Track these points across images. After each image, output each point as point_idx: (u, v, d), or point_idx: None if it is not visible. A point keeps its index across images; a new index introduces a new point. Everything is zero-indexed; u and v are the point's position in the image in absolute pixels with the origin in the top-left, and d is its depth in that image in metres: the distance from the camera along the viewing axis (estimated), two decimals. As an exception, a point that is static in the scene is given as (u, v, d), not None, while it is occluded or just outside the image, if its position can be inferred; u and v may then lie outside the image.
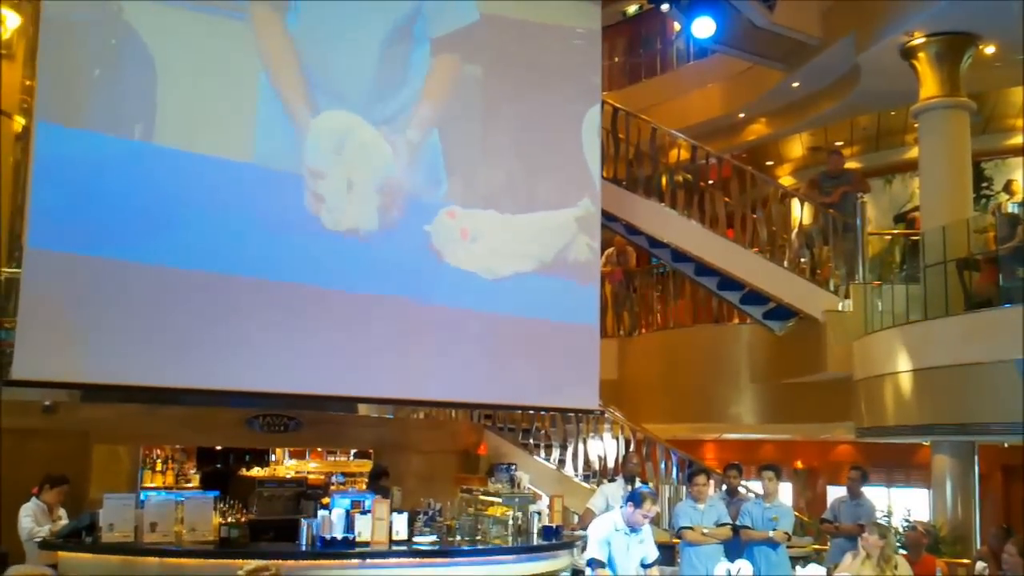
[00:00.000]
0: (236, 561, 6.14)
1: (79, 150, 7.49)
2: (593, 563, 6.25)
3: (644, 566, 6.43)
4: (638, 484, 8.64)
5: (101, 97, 7.68)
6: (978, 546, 9.43)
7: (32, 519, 7.44)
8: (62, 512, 7.71)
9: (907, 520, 10.85)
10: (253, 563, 3.59)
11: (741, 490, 9.26)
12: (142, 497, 7.61)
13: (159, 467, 10.05)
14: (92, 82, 7.65)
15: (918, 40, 10.63)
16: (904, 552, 8.34)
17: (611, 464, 11.30)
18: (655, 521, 9.23)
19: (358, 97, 8.74)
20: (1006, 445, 12.82)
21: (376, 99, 8.84)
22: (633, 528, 6.28)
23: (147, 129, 7.81)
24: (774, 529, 8.04)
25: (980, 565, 7.65)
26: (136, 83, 7.82)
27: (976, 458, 10.44)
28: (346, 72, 8.71)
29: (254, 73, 8.30)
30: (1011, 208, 11.06)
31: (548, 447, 11.84)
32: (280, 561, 6.57)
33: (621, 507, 6.43)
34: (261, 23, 8.37)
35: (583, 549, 7.62)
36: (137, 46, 7.82)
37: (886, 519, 11.07)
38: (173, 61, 7.95)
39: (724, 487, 9.06)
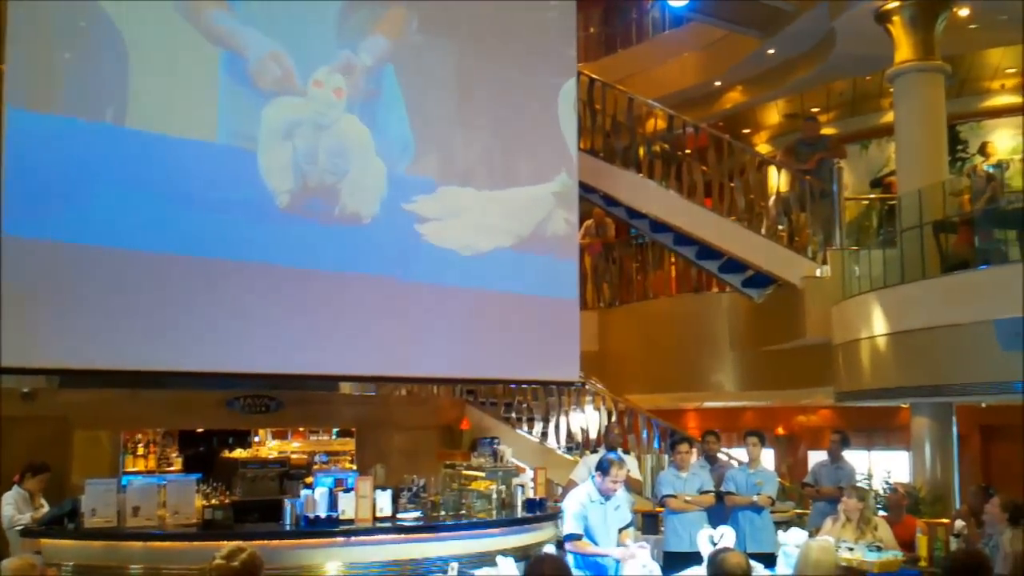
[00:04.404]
0: (220, 543, 6.11)
1: (51, 135, 7.36)
2: (571, 538, 6.25)
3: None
4: (620, 454, 8.69)
5: (71, 81, 7.55)
6: (957, 506, 9.54)
7: (14, 507, 7.42)
8: (43, 500, 7.68)
9: (888, 482, 10.97)
10: (229, 546, 3.57)
11: (722, 456, 9.33)
12: (124, 481, 7.58)
13: (140, 451, 9.99)
14: (62, 65, 7.53)
15: (892, 4, 10.64)
16: (885, 514, 8.44)
17: (593, 435, 11.35)
18: (639, 490, 9.33)
19: (334, 78, 8.63)
20: (984, 405, 12.96)
21: (352, 80, 8.73)
22: (607, 496, 6.30)
23: (119, 112, 7.68)
24: (758, 494, 8.11)
25: (959, 524, 7.72)
26: (106, 65, 7.67)
27: (954, 419, 10.54)
28: (315, 50, 8.60)
29: (220, 53, 8.18)
30: (986, 170, 11.13)
31: (530, 420, 11.88)
32: (258, 542, 6.60)
33: (591, 478, 6.43)
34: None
35: (567, 520, 7.65)
36: (106, 27, 7.68)
37: (867, 482, 11.20)
38: (143, 42, 7.80)
39: (703, 455, 9.11)
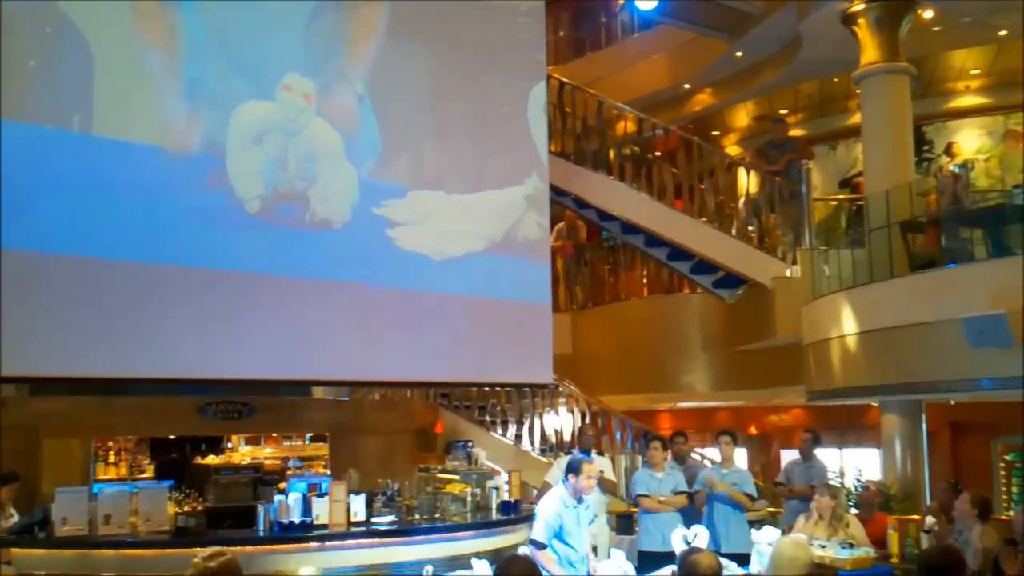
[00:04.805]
0: (193, 550, 6.09)
1: (17, 142, 7.27)
2: (535, 544, 6.22)
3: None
4: (593, 455, 8.70)
5: (38, 88, 7.46)
6: (928, 502, 9.64)
7: (-17, 517, 7.34)
8: (12, 510, 7.60)
9: (859, 480, 11.06)
10: (207, 550, 3.56)
11: (695, 457, 9.37)
12: (95, 489, 7.51)
13: (112, 459, 9.92)
14: (27, 73, 7.45)
15: (858, 6, 10.74)
16: (856, 511, 8.51)
17: (567, 437, 11.37)
18: (613, 491, 9.35)
19: (303, 83, 8.61)
20: (953, 403, 13.09)
21: (320, 85, 8.71)
22: (580, 498, 6.30)
23: (86, 120, 7.59)
24: (743, 492, 8.15)
25: (929, 520, 7.81)
26: (72, 73, 7.60)
27: (924, 416, 10.65)
28: (284, 55, 8.57)
29: (187, 59, 8.12)
30: (952, 170, 11.27)
31: (504, 423, 11.88)
32: (232, 548, 6.55)
33: (563, 482, 6.41)
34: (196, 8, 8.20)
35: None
36: (71, 34, 7.61)
37: (839, 480, 11.29)
38: (108, 48, 7.74)
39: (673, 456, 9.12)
